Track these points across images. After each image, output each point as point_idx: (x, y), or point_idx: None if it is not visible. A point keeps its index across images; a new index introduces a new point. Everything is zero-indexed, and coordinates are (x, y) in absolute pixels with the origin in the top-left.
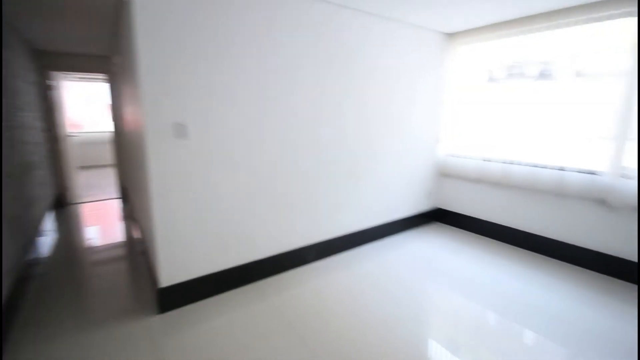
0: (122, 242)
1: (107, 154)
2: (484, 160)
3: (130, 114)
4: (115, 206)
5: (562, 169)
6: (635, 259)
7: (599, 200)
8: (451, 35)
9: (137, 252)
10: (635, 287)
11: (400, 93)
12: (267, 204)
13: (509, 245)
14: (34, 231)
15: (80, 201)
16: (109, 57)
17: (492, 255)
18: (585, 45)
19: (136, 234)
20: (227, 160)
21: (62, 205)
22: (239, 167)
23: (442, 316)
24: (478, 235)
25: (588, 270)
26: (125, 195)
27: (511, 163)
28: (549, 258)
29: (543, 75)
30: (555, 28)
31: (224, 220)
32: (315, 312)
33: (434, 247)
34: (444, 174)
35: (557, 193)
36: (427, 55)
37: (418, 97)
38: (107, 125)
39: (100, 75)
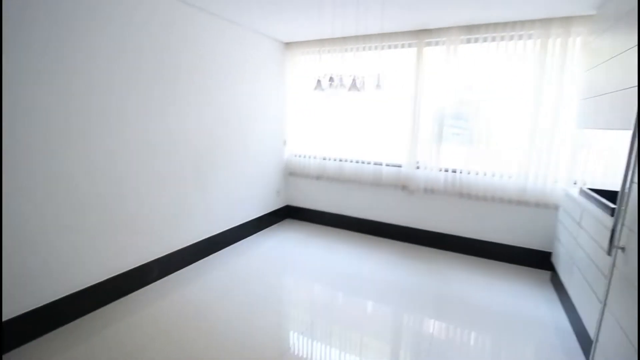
0: None
1: None
2: (324, 159)
3: None
4: None
5: (378, 164)
6: (423, 227)
7: (402, 186)
8: (288, 45)
9: None
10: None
11: (246, 96)
12: (93, 220)
13: (347, 231)
14: None
15: None
16: None
17: (334, 242)
18: (388, 64)
19: None
20: (36, 168)
21: None
22: (51, 177)
23: (299, 304)
24: (323, 225)
25: (398, 242)
26: None
27: (343, 161)
28: (375, 237)
29: (356, 86)
30: (363, 50)
31: (27, 245)
32: (160, 336)
33: (286, 242)
34: (291, 173)
35: (376, 183)
36: (270, 61)
37: (263, 101)
38: None
39: None
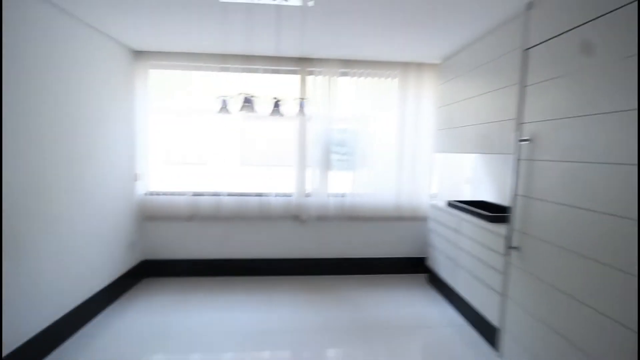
0: None
1: None
2: (195, 195)
3: None
4: None
5: (265, 195)
6: (319, 256)
7: (294, 216)
8: (142, 54)
9: None
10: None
11: (82, 121)
12: None
13: (233, 277)
14: None
15: None
16: None
17: (221, 294)
18: (271, 88)
19: None
20: None
21: None
22: None
23: None
24: (200, 277)
25: (296, 276)
26: None
27: (222, 195)
28: (269, 277)
29: (279, 111)
30: (244, 71)
31: None
32: None
33: (154, 310)
34: (149, 217)
35: (264, 217)
36: (115, 73)
37: (105, 124)
38: None
39: None
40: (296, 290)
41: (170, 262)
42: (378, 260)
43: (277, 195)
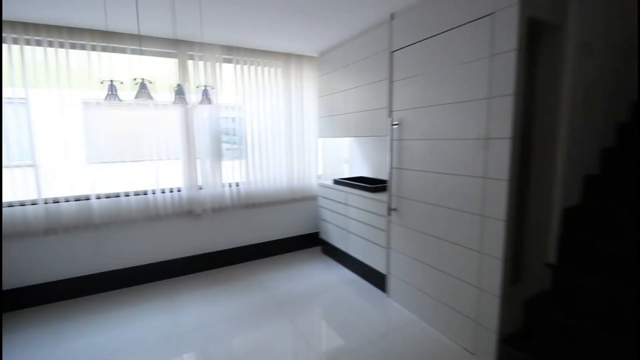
0: None
1: None
2: (55, 202)
3: None
4: None
5: (148, 193)
6: (220, 249)
7: (188, 212)
8: None
9: None
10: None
11: None
12: None
13: (116, 291)
14: None
15: None
16: None
17: (111, 311)
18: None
19: None
20: None
21: None
22: None
23: None
24: (80, 298)
25: (194, 274)
26: None
27: (92, 199)
28: (165, 280)
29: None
30: (104, 50)
31: None
32: None
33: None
34: None
35: (150, 217)
36: None
37: None
38: None
39: None
40: (201, 287)
41: (36, 288)
42: (277, 242)
43: (164, 191)
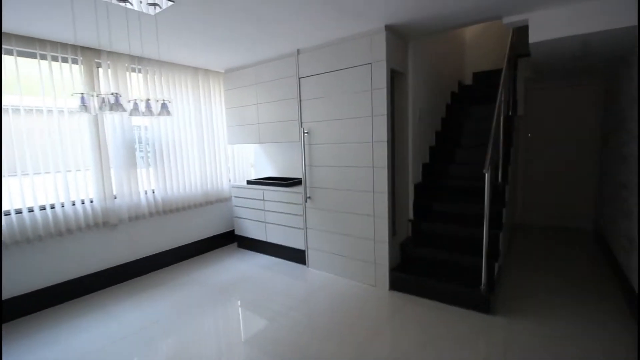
0: None
1: None
2: None
3: None
4: None
5: (51, 207)
6: (139, 257)
7: (103, 223)
8: None
9: None
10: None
11: None
12: None
13: (33, 314)
14: None
15: None
16: None
17: (28, 336)
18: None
19: None
20: None
21: None
22: None
23: None
24: None
25: (113, 287)
26: None
27: None
28: (84, 297)
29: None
30: None
31: None
32: None
33: None
34: None
35: (59, 233)
36: None
37: None
38: None
39: None
40: (133, 293)
41: None
42: (196, 243)
43: (74, 203)
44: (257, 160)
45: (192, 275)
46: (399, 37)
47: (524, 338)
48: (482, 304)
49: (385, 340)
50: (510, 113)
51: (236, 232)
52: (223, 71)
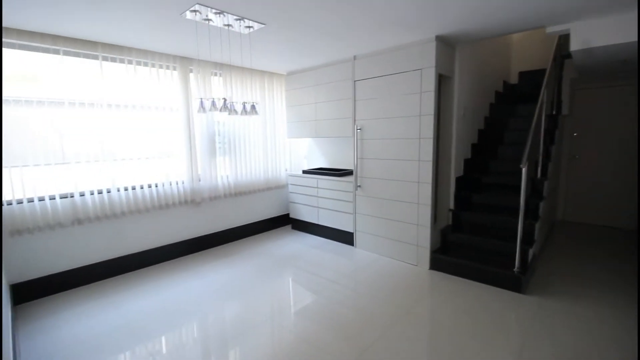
0: None
1: None
2: (81, 195)
3: None
4: None
5: (157, 185)
6: (214, 231)
7: (191, 200)
8: None
9: None
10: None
11: None
12: None
13: (135, 272)
14: None
15: None
16: None
17: (128, 290)
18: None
19: None
20: None
21: None
22: None
23: None
24: (95, 282)
25: (196, 253)
26: None
27: (110, 191)
28: (173, 260)
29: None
30: (113, 61)
31: None
32: None
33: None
34: (16, 231)
35: (159, 206)
36: None
37: None
38: None
39: None
40: (212, 260)
41: (56, 277)
42: (258, 222)
43: (171, 184)
44: (310, 152)
45: (257, 249)
46: (447, 44)
47: (550, 314)
48: (515, 283)
49: (424, 307)
50: (554, 112)
51: (291, 215)
52: (285, 74)
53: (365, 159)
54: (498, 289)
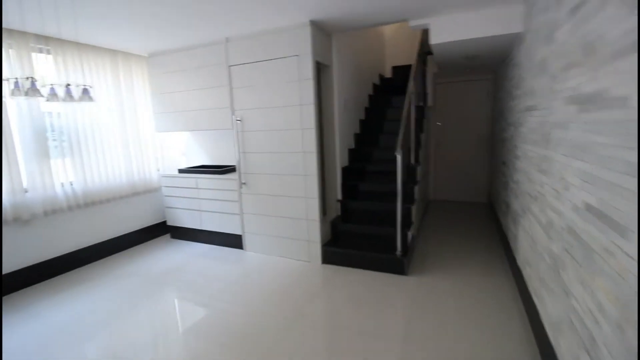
0: None
1: None
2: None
3: None
4: None
5: None
6: (57, 254)
7: (14, 219)
8: None
9: None
10: None
11: None
12: None
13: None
14: None
15: None
16: None
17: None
18: None
19: None
20: None
21: None
22: None
23: None
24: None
25: (27, 288)
26: None
27: None
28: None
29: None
30: None
31: None
32: None
33: None
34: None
35: None
36: None
37: None
38: None
39: None
40: (48, 296)
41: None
42: (125, 236)
43: None
44: (188, 149)
45: (127, 268)
46: (323, 32)
47: (429, 291)
48: (398, 266)
49: (319, 302)
50: (422, 103)
51: (168, 223)
52: (147, 55)
53: (248, 153)
54: (385, 274)
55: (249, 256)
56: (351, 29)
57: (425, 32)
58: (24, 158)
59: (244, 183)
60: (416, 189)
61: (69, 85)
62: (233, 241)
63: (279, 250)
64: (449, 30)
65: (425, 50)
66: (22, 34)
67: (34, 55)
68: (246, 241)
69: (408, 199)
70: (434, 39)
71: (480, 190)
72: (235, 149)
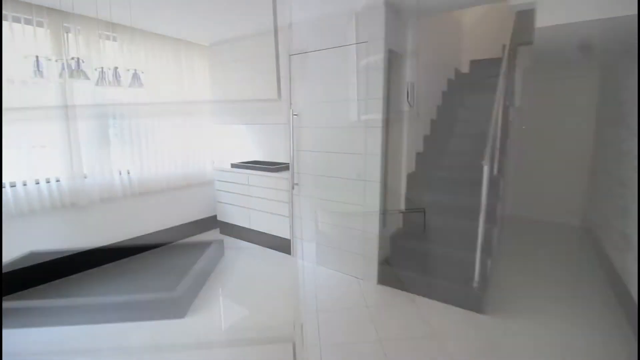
0: None
1: None
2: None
3: None
4: None
5: (16, 185)
6: (110, 242)
7: (70, 204)
8: None
9: None
10: None
11: None
12: None
13: None
14: None
15: None
16: None
17: None
18: None
19: None
20: None
21: None
22: None
23: None
24: None
25: (79, 274)
26: None
27: None
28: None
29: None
30: None
31: None
32: None
33: None
34: None
35: (21, 212)
36: None
37: None
38: None
39: None
40: (98, 284)
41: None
42: (174, 228)
43: (38, 182)
44: (244, 142)
45: (172, 262)
46: (398, 16)
47: (518, 340)
48: (474, 301)
49: (370, 333)
50: (507, 104)
51: (218, 218)
52: (208, 44)
53: (302, 151)
54: (455, 309)
55: (297, 264)
56: (434, 13)
57: (522, 16)
58: (86, 144)
59: (297, 183)
60: (499, 206)
61: (117, 68)
62: (281, 245)
63: (330, 262)
64: (564, 9)
65: (518, 40)
66: (90, 20)
67: (101, 42)
68: (296, 247)
69: (489, 217)
70: (542, 21)
71: (572, 210)
72: (289, 146)
